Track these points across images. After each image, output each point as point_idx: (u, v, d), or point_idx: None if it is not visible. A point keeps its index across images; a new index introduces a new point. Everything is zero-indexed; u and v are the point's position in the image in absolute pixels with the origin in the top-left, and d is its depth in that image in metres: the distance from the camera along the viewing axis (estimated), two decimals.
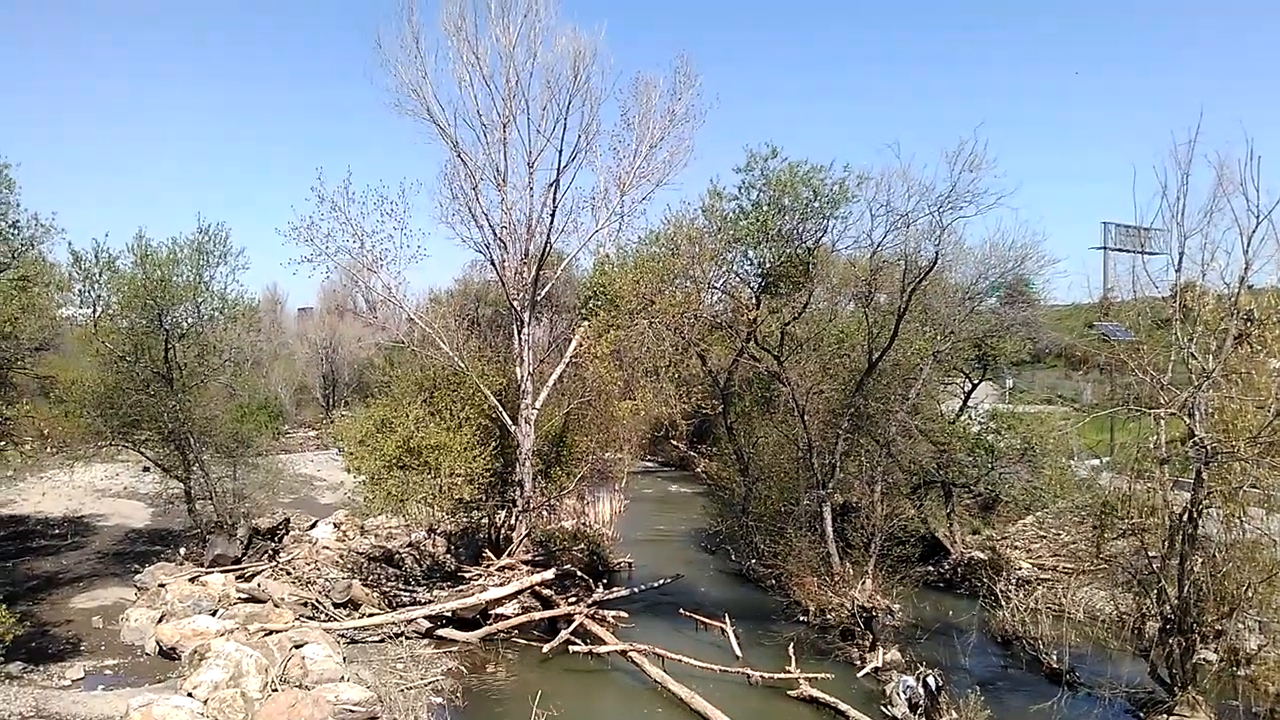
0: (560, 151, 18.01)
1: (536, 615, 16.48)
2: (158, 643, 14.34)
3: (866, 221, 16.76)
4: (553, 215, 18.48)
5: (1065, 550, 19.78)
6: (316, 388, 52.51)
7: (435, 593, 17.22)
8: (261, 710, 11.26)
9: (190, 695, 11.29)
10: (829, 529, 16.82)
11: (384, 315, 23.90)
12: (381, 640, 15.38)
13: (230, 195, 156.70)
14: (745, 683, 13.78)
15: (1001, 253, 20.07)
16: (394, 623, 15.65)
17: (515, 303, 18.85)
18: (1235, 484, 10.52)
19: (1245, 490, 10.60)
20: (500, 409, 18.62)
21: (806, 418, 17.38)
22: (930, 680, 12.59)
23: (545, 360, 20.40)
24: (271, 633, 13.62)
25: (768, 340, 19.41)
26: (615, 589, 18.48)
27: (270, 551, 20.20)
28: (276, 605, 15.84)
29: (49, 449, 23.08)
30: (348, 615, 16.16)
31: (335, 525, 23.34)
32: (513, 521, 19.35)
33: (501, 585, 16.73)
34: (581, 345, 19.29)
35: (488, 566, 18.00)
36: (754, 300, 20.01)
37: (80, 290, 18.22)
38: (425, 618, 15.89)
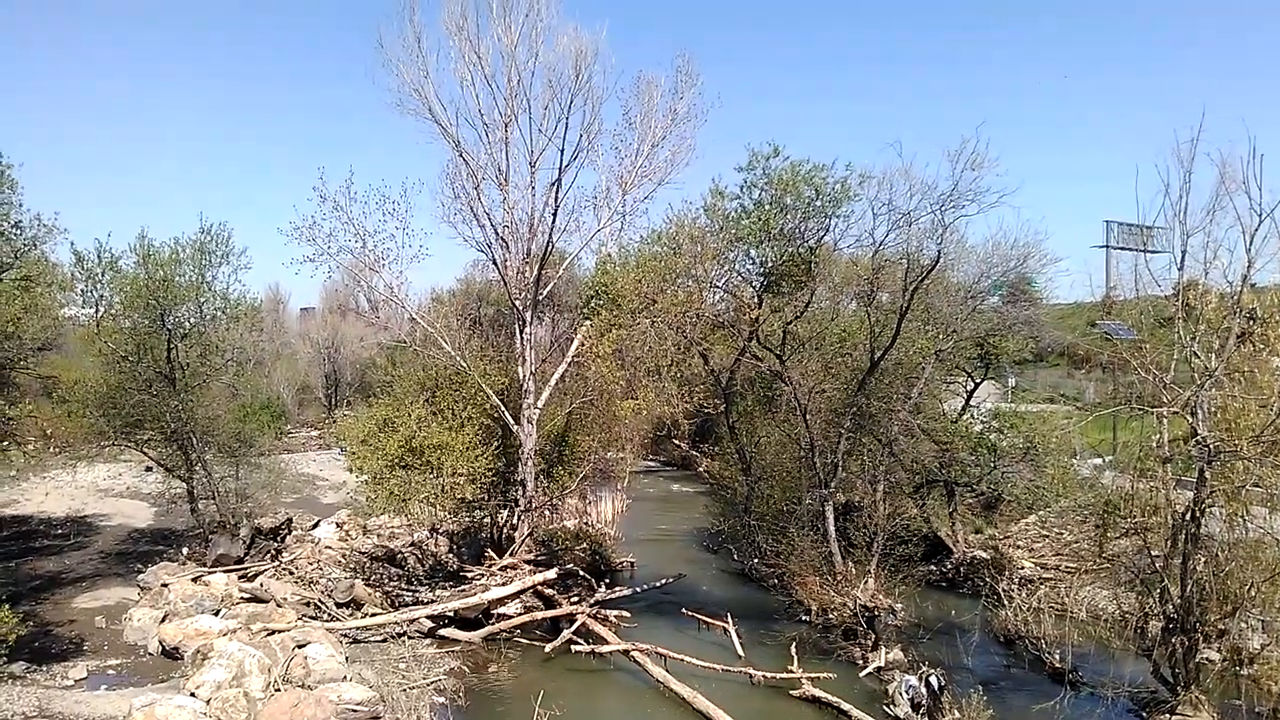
0: (562, 151, 18.09)
1: (539, 615, 16.48)
2: (160, 642, 14.36)
3: (869, 220, 16.77)
4: (554, 214, 18.52)
5: (1068, 549, 19.75)
6: (319, 387, 52.58)
7: (438, 592, 17.23)
8: (264, 710, 11.28)
9: (193, 695, 11.31)
10: (831, 528, 16.81)
11: (386, 315, 23.96)
12: (384, 640, 15.39)
13: (231, 195, 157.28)
14: (747, 682, 13.76)
15: (1004, 251, 20.05)
16: (396, 622, 15.67)
17: (517, 302, 18.86)
18: (1238, 483, 10.51)
19: (1248, 489, 10.59)
20: (502, 408, 18.62)
21: (809, 417, 17.37)
22: (933, 680, 12.57)
23: (547, 360, 20.41)
24: (274, 632, 13.65)
25: (770, 339, 19.40)
26: (617, 588, 18.48)
27: (273, 551, 20.24)
28: (279, 605, 15.86)
29: (52, 449, 23.13)
30: (350, 615, 16.18)
31: (338, 525, 23.36)
32: (515, 521, 19.37)
33: (504, 585, 16.75)
34: (583, 344, 19.29)
35: (490, 566, 18.02)
36: (756, 299, 20.02)
37: (83, 290, 18.21)
38: (428, 617, 15.90)
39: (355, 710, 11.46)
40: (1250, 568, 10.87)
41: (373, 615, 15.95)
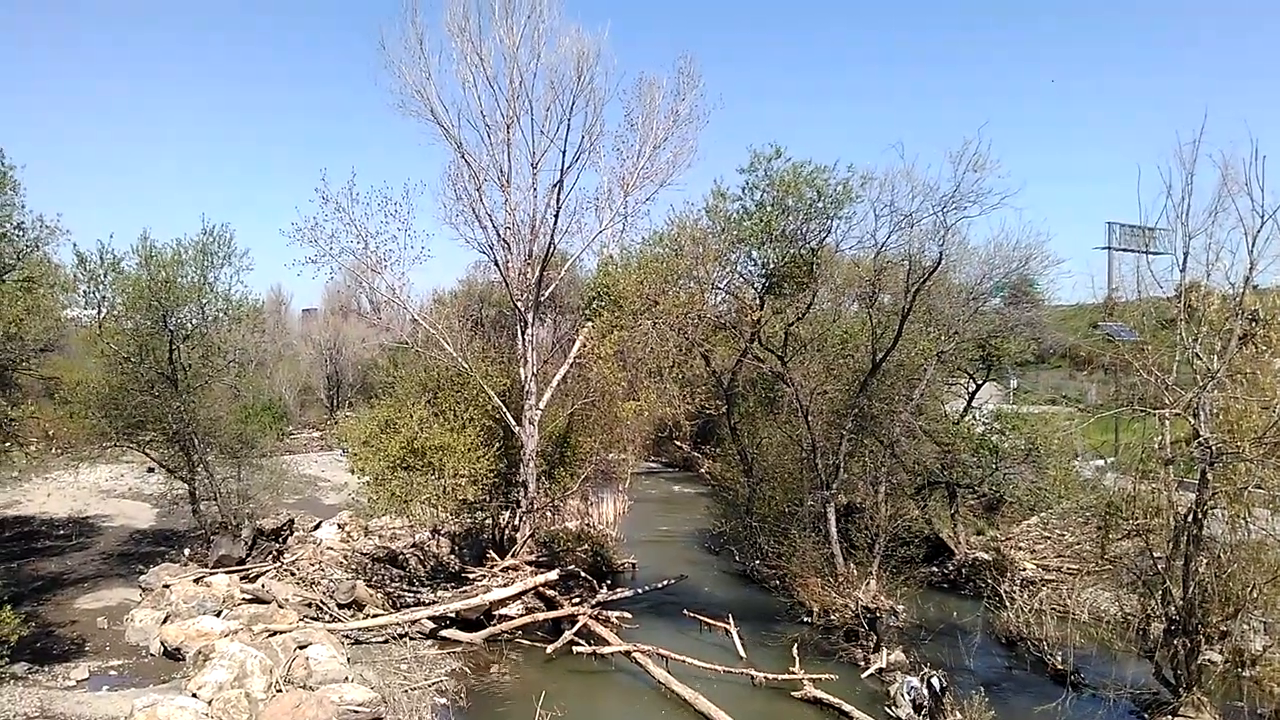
0: (564, 152, 18.09)
1: (540, 616, 16.48)
2: (162, 643, 14.37)
3: (870, 222, 16.73)
4: (556, 216, 18.52)
5: (1070, 551, 19.72)
6: (320, 389, 52.61)
7: (439, 593, 17.23)
8: (266, 711, 11.29)
9: (195, 696, 11.32)
10: (833, 530, 16.80)
11: (388, 316, 23.98)
12: (385, 641, 15.39)
13: (231, 195, 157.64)
14: (749, 684, 13.76)
15: (1005, 253, 20.01)
16: (398, 623, 15.67)
17: (519, 303, 18.87)
18: (1240, 484, 10.51)
19: (1250, 491, 10.58)
20: (504, 410, 18.63)
21: (810, 418, 17.36)
22: (934, 681, 12.57)
23: (549, 361, 20.43)
24: (276, 633, 13.66)
25: (771, 341, 19.40)
26: (619, 590, 18.48)
27: (274, 552, 20.25)
28: (281, 606, 15.87)
29: (54, 450, 23.20)
30: (352, 616, 16.18)
31: (339, 526, 23.36)
32: (516, 522, 19.37)
33: (505, 586, 16.76)
34: (585, 346, 19.31)
35: (491, 567, 18.03)
36: (758, 301, 20.02)
37: (85, 291, 18.23)
38: (429, 618, 15.91)
39: (357, 711, 11.47)
40: (1252, 569, 10.87)
41: (374, 616, 15.96)
